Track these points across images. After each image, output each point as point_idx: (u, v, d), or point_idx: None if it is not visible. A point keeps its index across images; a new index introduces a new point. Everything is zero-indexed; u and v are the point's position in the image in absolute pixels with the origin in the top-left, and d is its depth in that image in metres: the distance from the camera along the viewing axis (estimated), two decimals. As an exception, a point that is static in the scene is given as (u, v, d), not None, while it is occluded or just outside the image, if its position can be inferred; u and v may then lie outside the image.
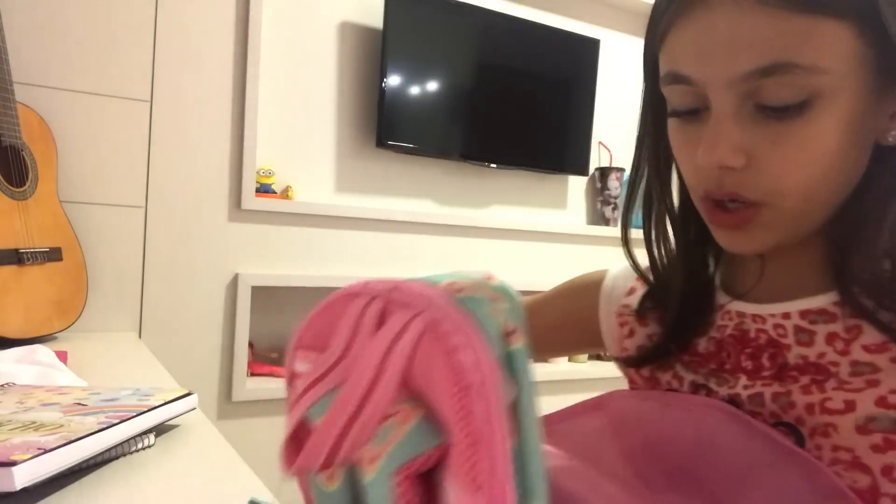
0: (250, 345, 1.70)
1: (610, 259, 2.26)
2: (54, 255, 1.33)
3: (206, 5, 1.61)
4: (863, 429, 0.39)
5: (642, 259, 0.58)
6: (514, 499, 0.24)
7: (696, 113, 0.44)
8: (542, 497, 0.25)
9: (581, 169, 2.16)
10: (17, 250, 1.23)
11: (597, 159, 2.28)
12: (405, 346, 0.27)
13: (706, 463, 0.40)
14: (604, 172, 2.24)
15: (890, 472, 0.38)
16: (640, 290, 0.58)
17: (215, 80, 1.63)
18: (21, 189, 1.30)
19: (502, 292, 0.30)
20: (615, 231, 2.25)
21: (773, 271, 0.48)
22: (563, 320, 0.66)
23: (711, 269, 0.54)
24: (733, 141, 0.41)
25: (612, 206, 2.25)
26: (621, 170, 2.26)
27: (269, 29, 1.71)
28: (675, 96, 0.45)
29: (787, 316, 0.45)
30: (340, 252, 1.80)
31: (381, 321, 0.30)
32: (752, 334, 0.47)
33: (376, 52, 1.85)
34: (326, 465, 0.29)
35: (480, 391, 0.25)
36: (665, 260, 0.54)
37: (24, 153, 1.32)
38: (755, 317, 0.47)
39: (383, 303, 0.30)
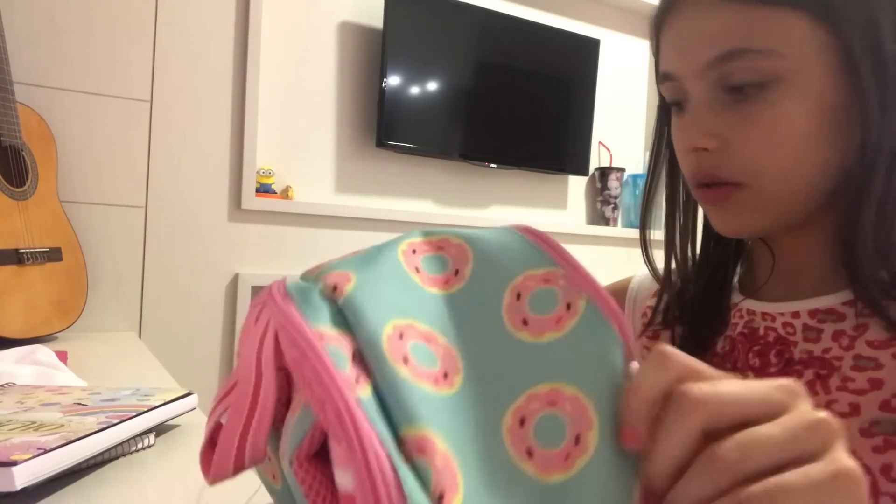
0: (250, 345, 1.70)
1: (610, 259, 2.26)
2: (54, 255, 1.33)
3: (206, 5, 1.62)
4: (867, 432, 0.40)
5: (658, 262, 0.59)
6: (377, 436, 0.25)
7: (681, 106, 0.49)
8: (413, 419, 0.26)
9: (581, 169, 2.16)
10: (17, 250, 1.23)
11: (597, 159, 2.28)
12: (269, 347, 0.29)
13: None
14: (604, 172, 2.24)
15: (888, 471, 0.38)
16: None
17: (215, 80, 1.63)
18: (21, 189, 1.30)
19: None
20: (615, 231, 2.25)
21: (784, 270, 0.49)
22: None
23: (732, 270, 0.55)
24: (706, 125, 0.45)
25: (612, 206, 2.25)
26: (621, 170, 2.26)
27: (269, 29, 1.71)
28: (666, 93, 0.50)
29: (796, 315, 0.46)
30: (340, 252, 1.80)
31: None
32: (761, 332, 0.48)
33: (376, 52, 1.85)
34: (237, 470, 0.30)
35: (307, 363, 0.26)
36: (686, 260, 0.56)
37: (24, 153, 1.32)
38: (765, 315, 0.48)
39: (259, 308, 0.32)
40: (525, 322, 0.30)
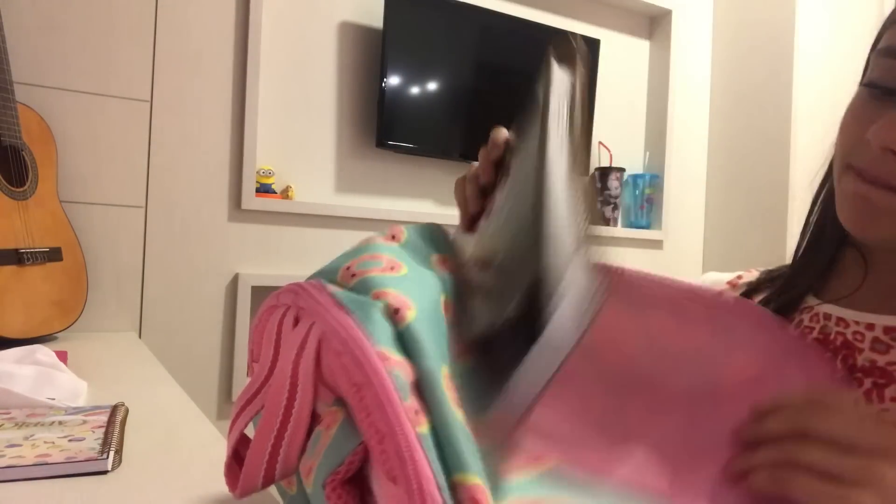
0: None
1: (610, 259, 2.26)
2: (54, 255, 1.33)
3: (206, 5, 1.61)
4: None
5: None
6: (434, 480, 0.24)
7: (891, 93, 0.42)
8: (470, 468, 0.25)
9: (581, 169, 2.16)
10: (17, 250, 1.23)
11: (597, 159, 2.28)
12: (309, 357, 0.28)
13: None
14: (604, 172, 2.24)
15: None
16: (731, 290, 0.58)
17: (215, 80, 1.63)
18: (21, 189, 1.30)
19: (405, 245, 0.31)
20: (615, 231, 2.25)
21: (872, 282, 0.48)
22: None
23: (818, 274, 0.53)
24: None
25: (612, 206, 2.25)
26: (621, 170, 2.26)
27: (269, 29, 1.71)
28: (881, 70, 0.43)
29: (870, 327, 0.46)
30: (340, 252, 1.80)
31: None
32: (832, 336, 0.47)
33: (376, 52, 1.84)
34: (266, 484, 0.29)
35: (370, 389, 0.25)
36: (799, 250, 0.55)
37: (24, 153, 1.32)
38: (839, 320, 0.48)
39: (295, 311, 0.31)
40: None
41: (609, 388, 0.40)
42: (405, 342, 0.27)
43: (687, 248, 2.40)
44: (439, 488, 0.24)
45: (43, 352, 0.98)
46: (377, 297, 0.29)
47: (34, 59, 1.44)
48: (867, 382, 0.43)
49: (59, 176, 1.43)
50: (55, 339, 1.32)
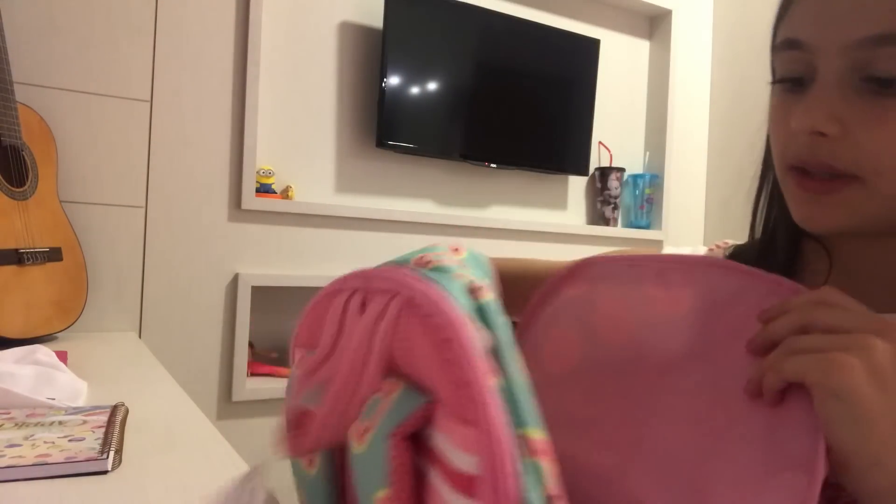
0: (250, 345, 1.70)
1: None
2: (54, 255, 1.33)
3: (206, 5, 1.61)
4: None
5: None
6: (509, 429, 0.26)
7: (800, 82, 0.44)
8: (536, 424, 0.27)
9: (581, 169, 2.16)
10: (17, 250, 1.23)
11: (597, 159, 2.28)
12: (387, 326, 0.30)
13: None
14: (604, 172, 2.24)
15: None
16: None
17: (215, 80, 1.63)
18: (21, 189, 1.30)
19: (467, 259, 0.34)
20: (615, 231, 2.25)
21: (839, 273, 0.48)
22: None
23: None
24: (832, 108, 0.41)
25: (612, 206, 2.25)
26: (621, 170, 2.26)
27: (269, 29, 1.71)
28: (784, 63, 0.45)
29: None
30: (340, 252, 1.80)
31: (363, 311, 0.32)
32: None
33: (376, 52, 1.84)
34: (313, 449, 0.31)
35: (457, 342, 0.27)
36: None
37: (24, 153, 1.32)
38: None
39: (363, 294, 0.33)
40: None
41: (618, 368, 0.42)
42: (484, 315, 0.30)
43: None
44: (510, 434, 0.26)
45: (43, 352, 0.98)
46: (457, 277, 0.31)
47: (34, 59, 1.44)
48: None
49: (59, 176, 1.43)
50: (55, 339, 1.32)
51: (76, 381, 0.92)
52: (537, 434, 0.27)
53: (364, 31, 1.85)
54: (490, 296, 0.30)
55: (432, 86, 1.89)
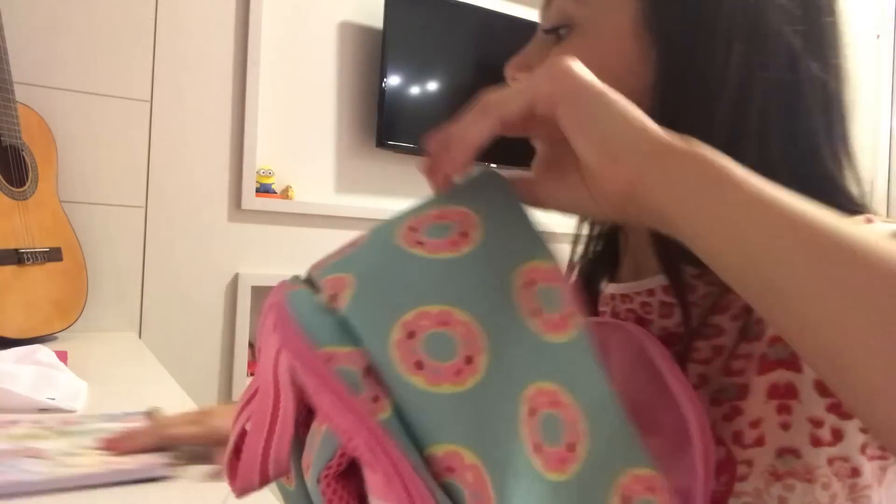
0: (250, 345, 1.70)
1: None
2: (54, 255, 1.33)
3: (206, 5, 1.61)
4: (716, 401, 0.38)
5: None
6: (409, 462, 0.24)
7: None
8: (447, 433, 0.25)
9: (581, 169, 2.16)
10: (17, 250, 1.23)
11: (597, 159, 2.28)
12: (285, 358, 0.27)
13: None
14: (604, 172, 2.24)
15: (739, 438, 0.37)
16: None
17: (215, 80, 1.63)
18: (21, 189, 1.30)
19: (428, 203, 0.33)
20: (615, 231, 2.25)
21: (635, 249, 0.47)
22: None
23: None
24: (522, 58, 0.46)
25: (612, 206, 2.25)
26: (621, 170, 2.25)
27: (269, 29, 1.71)
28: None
29: (651, 293, 0.44)
30: (340, 252, 1.80)
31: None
32: (622, 316, 0.46)
33: (376, 52, 1.85)
34: (262, 482, 0.29)
35: (323, 394, 0.25)
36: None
37: (24, 153, 1.32)
38: (623, 297, 0.46)
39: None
40: (536, 313, 0.29)
41: None
42: (348, 329, 0.27)
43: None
44: (415, 468, 0.24)
45: (43, 352, 0.98)
46: (323, 285, 0.29)
47: (34, 59, 1.44)
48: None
49: (59, 176, 1.43)
50: (55, 339, 1.32)
51: (76, 381, 0.92)
52: (440, 449, 0.25)
53: (364, 31, 1.85)
54: (348, 296, 0.27)
55: (432, 86, 1.89)
